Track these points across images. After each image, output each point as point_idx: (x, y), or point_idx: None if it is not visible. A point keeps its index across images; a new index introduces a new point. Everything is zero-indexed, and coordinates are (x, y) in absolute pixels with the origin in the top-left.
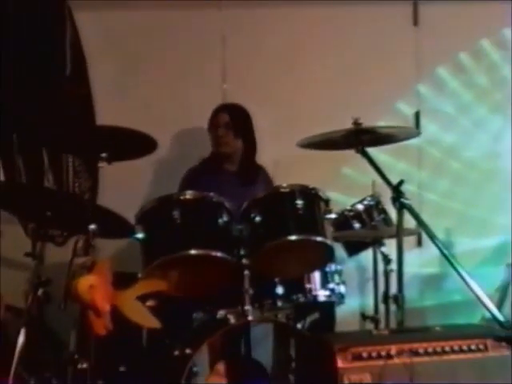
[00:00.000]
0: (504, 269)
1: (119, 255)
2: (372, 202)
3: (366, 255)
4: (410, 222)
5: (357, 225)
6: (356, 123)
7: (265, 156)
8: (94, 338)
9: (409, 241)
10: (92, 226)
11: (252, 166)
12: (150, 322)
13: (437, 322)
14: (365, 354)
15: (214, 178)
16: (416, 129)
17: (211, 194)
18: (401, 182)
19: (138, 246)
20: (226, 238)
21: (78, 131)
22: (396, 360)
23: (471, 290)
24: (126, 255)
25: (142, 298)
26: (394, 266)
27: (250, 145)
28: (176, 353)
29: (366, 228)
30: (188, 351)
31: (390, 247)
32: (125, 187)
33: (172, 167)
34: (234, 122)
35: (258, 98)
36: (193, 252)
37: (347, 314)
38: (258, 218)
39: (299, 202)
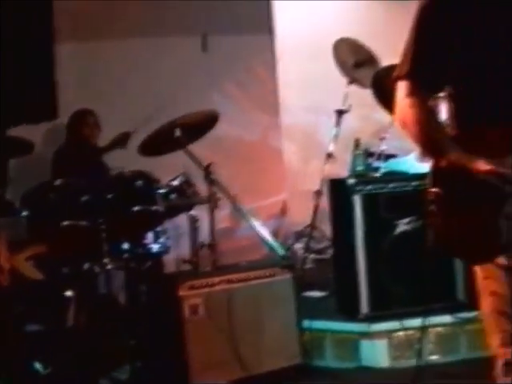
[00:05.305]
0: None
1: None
2: (183, 179)
3: (181, 217)
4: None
5: (173, 196)
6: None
7: None
8: None
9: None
10: None
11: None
12: (36, 275)
13: (233, 261)
14: (197, 285)
15: (77, 159)
16: None
17: (74, 180)
18: (209, 165)
19: (23, 221)
20: (88, 212)
21: None
22: (218, 287)
23: (260, 234)
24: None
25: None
26: (199, 223)
27: None
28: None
29: (181, 198)
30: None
31: (195, 210)
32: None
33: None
34: None
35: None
36: (66, 223)
37: (167, 260)
38: (109, 196)
39: (139, 183)
